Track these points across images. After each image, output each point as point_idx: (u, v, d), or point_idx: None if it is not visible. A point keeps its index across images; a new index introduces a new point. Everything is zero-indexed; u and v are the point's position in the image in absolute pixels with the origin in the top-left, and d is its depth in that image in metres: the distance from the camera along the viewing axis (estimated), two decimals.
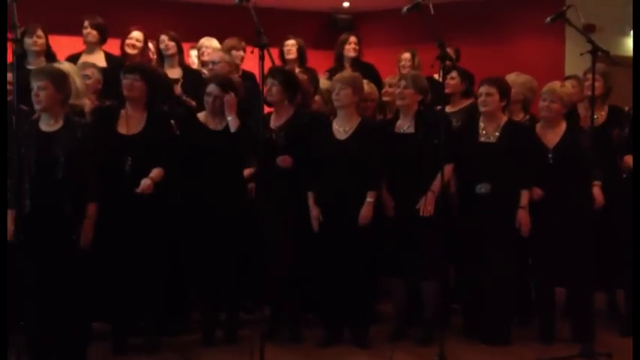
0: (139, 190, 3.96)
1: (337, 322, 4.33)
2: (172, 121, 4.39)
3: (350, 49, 5.98)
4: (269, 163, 4.18)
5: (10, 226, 3.66)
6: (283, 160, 4.22)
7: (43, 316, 3.71)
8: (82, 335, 3.89)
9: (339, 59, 6.01)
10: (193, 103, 4.87)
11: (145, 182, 3.97)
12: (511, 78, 4.68)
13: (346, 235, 4.16)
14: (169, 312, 4.35)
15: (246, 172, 4.44)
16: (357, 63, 5.93)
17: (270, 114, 4.43)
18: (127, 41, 5.47)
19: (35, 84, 3.73)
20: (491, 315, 4.32)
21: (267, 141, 4.17)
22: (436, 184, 4.11)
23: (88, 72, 4.54)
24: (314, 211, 4.23)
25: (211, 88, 4.27)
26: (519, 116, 4.69)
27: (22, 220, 3.57)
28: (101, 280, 4.01)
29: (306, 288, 4.37)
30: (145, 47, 5.50)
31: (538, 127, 4.42)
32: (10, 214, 3.68)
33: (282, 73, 4.38)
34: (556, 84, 4.44)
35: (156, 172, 4.04)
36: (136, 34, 5.49)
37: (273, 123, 4.34)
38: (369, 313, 4.44)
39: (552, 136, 4.32)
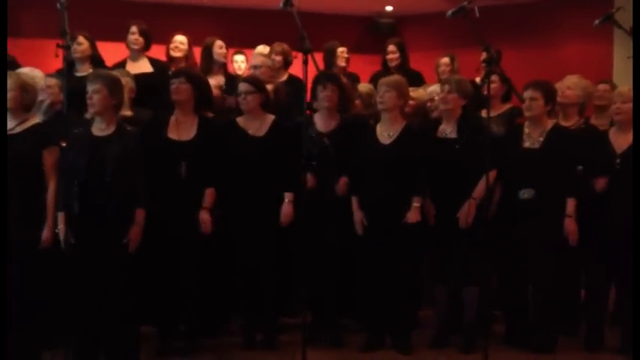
0: (202, 230, 4.04)
1: (379, 328, 4.31)
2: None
3: (388, 58, 5.98)
4: (321, 168, 4.18)
5: (62, 228, 3.74)
6: (341, 188, 4.25)
7: (93, 319, 3.77)
8: (133, 338, 3.92)
9: (385, 66, 6.02)
10: (235, 103, 4.86)
11: (204, 219, 4.05)
12: (572, 80, 4.62)
13: (390, 240, 4.14)
14: (210, 315, 4.39)
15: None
16: (402, 69, 5.92)
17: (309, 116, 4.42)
18: (171, 45, 5.55)
19: (90, 87, 3.81)
20: (534, 322, 4.25)
21: (320, 146, 4.20)
22: (478, 191, 4.07)
23: (122, 81, 4.61)
24: (358, 215, 4.22)
25: (242, 86, 4.30)
26: (574, 119, 4.61)
27: (72, 223, 3.65)
28: (147, 284, 4.06)
29: (349, 292, 4.37)
30: (190, 51, 5.57)
31: (611, 131, 4.32)
32: (61, 217, 3.76)
33: (337, 79, 4.40)
34: (624, 88, 4.33)
35: (209, 198, 4.09)
36: (180, 38, 5.56)
37: (324, 128, 4.35)
38: (412, 319, 4.42)
39: (623, 142, 4.21)
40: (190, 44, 5.59)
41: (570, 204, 4.14)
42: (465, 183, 4.13)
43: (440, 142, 4.27)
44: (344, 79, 4.89)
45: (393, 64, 5.95)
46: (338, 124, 4.35)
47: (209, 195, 4.10)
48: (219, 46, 5.46)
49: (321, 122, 4.37)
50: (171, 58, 5.54)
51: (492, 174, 4.16)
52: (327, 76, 4.24)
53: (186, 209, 4.05)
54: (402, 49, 5.99)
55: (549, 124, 4.29)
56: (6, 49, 4.66)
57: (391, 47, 6.00)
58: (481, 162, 3.86)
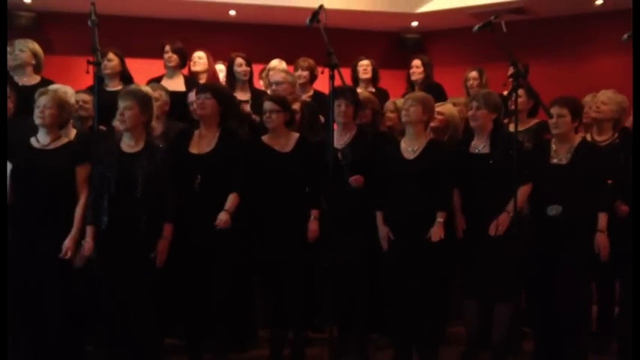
0: (216, 224, 4.01)
1: (406, 343, 4.28)
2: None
3: (412, 72, 6.00)
4: (336, 182, 4.19)
5: (90, 242, 3.79)
6: (356, 180, 4.22)
7: (118, 331, 3.80)
8: (156, 351, 3.96)
9: (409, 82, 6.04)
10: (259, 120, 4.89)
11: (222, 217, 4.02)
12: (607, 95, 4.58)
13: (416, 255, 4.11)
14: (237, 328, 4.39)
15: None
16: (425, 84, 5.93)
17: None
18: (191, 62, 5.62)
19: (122, 104, 3.87)
20: (565, 340, 4.19)
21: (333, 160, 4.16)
22: (512, 205, 4.04)
23: (157, 94, 4.63)
24: (383, 231, 4.21)
25: (267, 105, 4.33)
26: (608, 134, 4.56)
27: (100, 237, 3.71)
28: (173, 297, 4.09)
29: (375, 307, 4.35)
30: (211, 65, 5.62)
31: None
32: (90, 230, 3.82)
33: (351, 92, 4.40)
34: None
35: (231, 202, 4.08)
36: (198, 53, 5.64)
37: (337, 141, 4.33)
38: (439, 335, 4.38)
39: None
40: (210, 59, 5.64)
41: (602, 219, 4.09)
42: (498, 198, 4.08)
43: (472, 157, 4.24)
44: (366, 94, 4.90)
45: (415, 77, 5.96)
46: (352, 138, 4.34)
47: (232, 198, 4.09)
48: (238, 64, 5.49)
49: (337, 137, 4.35)
50: (193, 74, 5.61)
51: (526, 189, 4.15)
52: (341, 91, 4.23)
53: (205, 222, 4.04)
54: (426, 64, 6.03)
55: (577, 139, 4.25)
56: (6, 48, 4.76)
57: (416, 62, 6.03)
58: (514, 176, 3.83)
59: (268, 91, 5.36)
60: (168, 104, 4.73)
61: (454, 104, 5.01)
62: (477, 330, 4.35)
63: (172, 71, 5.49)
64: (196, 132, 4.24)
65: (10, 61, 4.88)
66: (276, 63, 5.79)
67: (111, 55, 5.18)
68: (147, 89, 4.36)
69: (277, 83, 5.02)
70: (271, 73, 5.54)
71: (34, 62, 4.96)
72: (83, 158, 3.93)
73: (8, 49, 4.91)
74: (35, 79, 4.93)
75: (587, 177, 4.11)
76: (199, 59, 5.62)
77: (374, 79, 5.99)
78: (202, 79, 5.51)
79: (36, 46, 5.02)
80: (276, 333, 4.36)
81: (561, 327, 4.17)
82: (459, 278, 4.32)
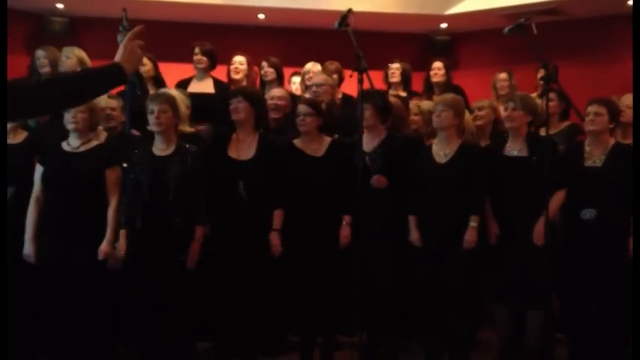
0: (272, 250, 4.08)
1: (437, 349, 4.25)
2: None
3: (433, 74, 5.97)
4: (365, 187, 4.17)
5: (123, 244, 3.83)
6: (378, 181, 4.19)
7: (151, 334, 3.83)
8: (188, 353, 3.98)
9: (428, 85, 6.01)
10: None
11: (275, 242, 4.09)
12: (631, 98, 4.50)
13: (448, 260, 4.08)
14: (268, 333, 4.40)
15: None
16: (444, 86, 5.89)
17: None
18: (231, 66, 5.63)
19: (156, 107, 3.90)
20: (600, 347, 4.12)
21: (364, 166, 4.13)
22: (551, 210, 3.98)
23: (178, 99, 4.64)
24: (415, 235, 4.18)
25: (301, 107, 4.33)
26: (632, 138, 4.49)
27: (134, 240, 3.74)
28: (207, 300, 4.11)
29: (406, 312, 4.32)
30: (250, 71, 5.64)
31: None
32: (123, 233, 3.86)
33: (375, 96, 4.36)
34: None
35: (278, 220, 4.12)
36: (239, 59, 5.63)
37: (366, 146, 4.31)
38: (471, 341, 4.33)
39: None
40: (250, 63, 5.66)
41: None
42: (533, 202, 4.01)
43: (507, 160, 4.18)
44: (392, 98, 4.86)
45: (435, 79, 5.93)
46: (380, 142, 4.31)
47: (278, 216, 4.13)
48: (262, 67, 5.55)
49: (365, 142, 4.33)
50: (231, 80, 5.62)
51: (561, 193, 4.09)
52: (365, 95, 4.19)
53: (245, 228, 4.06)
54: (447, 67, 6.03)
55: (611, 141, 4.18)
56: (6, 48, 4.82)
57: (437, 64, 6.00)
58: (552, 180, 3.78)
59: (307, 95, 5.35)
60: (189, 107, 4.70)
61: (479, 108, 4.95)
62: (508, 336, 4.30)
63: (202, 73, 5.52)
64: (234, 136, 4.24)
65: (58, 68, 4.96)
66: (310, 66, 5.79)
67: (144, 60, 5.21)
68: (176, 93, 4.38)
69: (318, 85, 4.99)
70: (311, 75, 5.55)
71: (79, 69, 5.02)
72: (113, 161, 3.98)
73: (51, 54, 4.98)
74: None
75: (622, 180, 4.04)
76: (240, 65, 5.61)
77: (404, 82, 5.97)
78: (239, 84, 5.53)
79: (82, 54, 5.09)
80: (306, 338, 4.36)
81: (596, 334, 4.10)
82: (490, 283, 4.27)
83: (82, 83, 2.15)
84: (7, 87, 1.96)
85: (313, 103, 4.38)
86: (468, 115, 4.79)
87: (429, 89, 5.99)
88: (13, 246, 3.94)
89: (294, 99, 5.19)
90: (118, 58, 2.27)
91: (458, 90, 5.87)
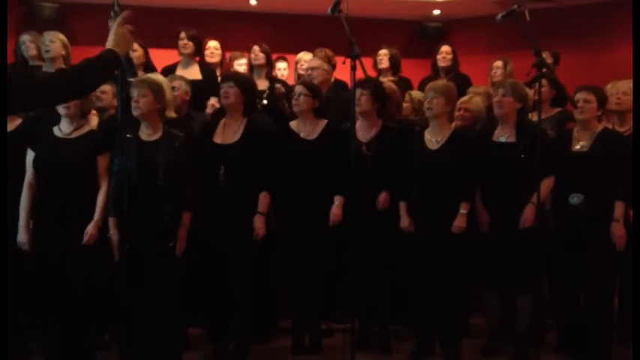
0: (255, 233, 4.04)
1: (428, 335, 4.27)
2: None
3: (441, 58, 5.95)
4: (358, 175, 4.16)
5: (115, 233, 3.81)
6: (382, 204, 4.20)
7: (139, 321, 3.83)
8: (177, 341, 3.98)
9: (434, 69, 5.99)
10: (287, 106, 4.84)
11: (259, 225, 4.05)
12: (628, 85, 4.52)
13: (439, 246, 4.09)
14: (259, 319, 4.41)
15: None
16: (451, 73, 5.88)
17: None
18: (206, 51, 5.62)
19: (136, 91, 3.89)
20: (588, 330, 4.15)
21: (360, 156, 4.12)
22: (536, 197, 3.99)
23: (175, 84, 4.62)
24: (405, 222, 4.19)
25: (298, 87, 4.34)
26: (629, 125, 4.47)
27: (122, 226, 3.72)
28: (194, 287, 4.11)
29: (397, 299, 4.33)
30: (224, 55, 5.61)
31: None
32: (112, 222, 3.84)
33: (371, 84, 4.35)
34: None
35: (264, 204, 4.09)
36: (214, 44, 5.66)
37: (362, 135, 4.31)
38: (461, 327, 4.35)
39: None
40: (223, 48, 5.64)
41: (618, 207, 4.03)
42: (522, 188, 4.03)
43: (496, 146, 4.19)
44: (387, 83, 4.84)
45: (443, 64, 5.91)
46: (377, 133, 4.31)
47: (263, 199, 4.11)
48: (252, 51, 5.51)
49: (361, 130, 4.32)
50: (207, 64, 5.61)
51: (550, 180, 4.10)
52: (360, 81, 4.17)
53: (227, 213, 4.04)
54: (454, 52, 5.99)
55: (599, 127, 4.19)
56: (6, 48, 4.79)
57: (446, 48, 5.98)
58: (540, 167, 3.80)
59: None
60: (189, 93, 4.71)
61: (475, 94, 4.96)
62: (498, 322, 4.33)
63: (187, 59, 5.50)
64: (221, 122, 4.23)
65: (43, 53, 4.92)
66: (302, 55, 5.78)
67: (135, 46, 5.19)
68: (162, 79, 4.36)
69: (313, 68, 4.99)
70: (306, 58, 5.54)
71: (63, 53, 4.99)
72: (104, 148, 3.96)
73: (36, 39, 4.94)
74: None
75: (608, 164, 4.06)
76: (215, 50, 5.61)
77: (393, 68, 5.95)
78: (219, 71, 5.51)
79: (64, 37, 5.05)
80: (298, 323, 4.37)
81: (584, 318, 4.13)
82: (480, 270, 4.28)
83: (85, 73, 2.22)
84: (7, 85, 1.95)
85: (310, 86, 4.39)
86: (480, 103, 4.78)
87: (435, 74, 5.97)
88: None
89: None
90: (109, 43, 2.28)
91: (465, 79, 5.86)
